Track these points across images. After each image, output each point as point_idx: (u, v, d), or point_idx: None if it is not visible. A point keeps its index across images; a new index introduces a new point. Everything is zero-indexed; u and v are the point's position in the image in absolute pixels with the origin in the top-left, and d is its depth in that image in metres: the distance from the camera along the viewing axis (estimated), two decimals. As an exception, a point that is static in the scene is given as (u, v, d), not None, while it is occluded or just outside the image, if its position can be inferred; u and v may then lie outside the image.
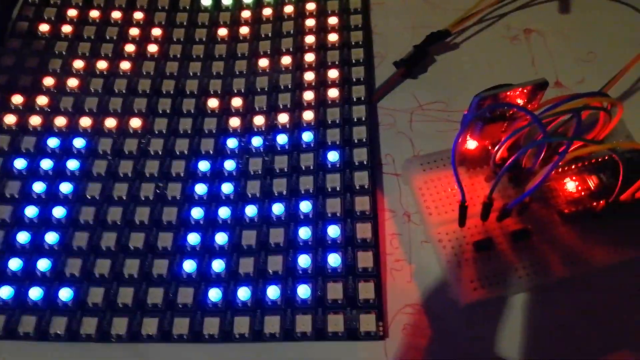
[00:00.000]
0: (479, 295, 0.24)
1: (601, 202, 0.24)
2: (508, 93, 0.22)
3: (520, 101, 0.24)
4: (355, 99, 0.30)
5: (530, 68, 0.31)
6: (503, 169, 0.22)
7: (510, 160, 0.22)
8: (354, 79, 0.30)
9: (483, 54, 0.32)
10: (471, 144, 0.25)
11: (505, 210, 0.24)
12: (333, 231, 0.25)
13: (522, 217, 0.25)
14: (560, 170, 0.25)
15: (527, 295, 0.24)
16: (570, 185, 0.25)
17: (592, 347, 0.23)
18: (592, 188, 0.25)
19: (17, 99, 0.30)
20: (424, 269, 0.25)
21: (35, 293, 0.24)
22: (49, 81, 0.31)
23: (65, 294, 0.24)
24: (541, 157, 0.23)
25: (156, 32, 0.33)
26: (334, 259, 0.25)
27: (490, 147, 0.25)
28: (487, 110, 0.22)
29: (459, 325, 0.24)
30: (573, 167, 0.25)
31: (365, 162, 0.27)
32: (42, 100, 0.30)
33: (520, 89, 0.22)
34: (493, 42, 0.33)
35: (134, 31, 0.33)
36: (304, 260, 0.25)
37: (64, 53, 0.32)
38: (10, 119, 0.29)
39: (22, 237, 0.26)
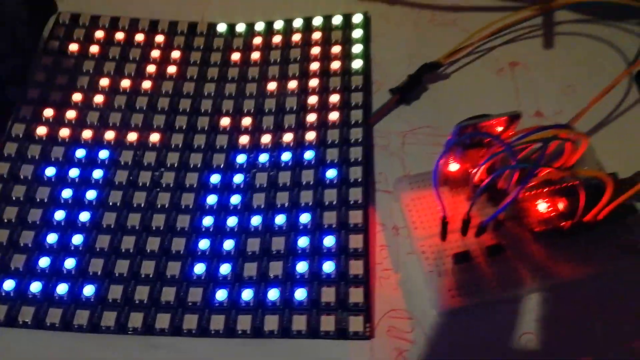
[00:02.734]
0: (456, 302, 0.26)
1: (568, 222, 0.27)
2: (486, 122, 0.25)
3: (499, 129, 0.27)
4: (353, 122, 0.33)
5: (514, 98, 0.34)
6: (479, 189, 0.25)
7: (485, 182, 0.25)
8: (353, 104, 0.34)
9: (471, 84, 0.35)
10: (454, 166, 0.28)
11: (482, 226, 0.27)
12: (329, 241, 0.28)
13: (498, 233, 0.28)
14: (533, 192, 0.28)
15: (499, 304, 0.27)
16: (542, 206, 0.28)
17: (555, 355, 0.26)
18: (561, 209, 0.28)
19: (48, 112, 0.33)
20: (409, 277, 0.28)
21: (61, 288, 0.27)
22: (77, 97, 0.34)
23: (88, 289, 0.27)
24: (513, 180, 0.25)
25: (175, 54, 0.37)
26: (328, 266, 0.28)
27: (470, 170, 0.28)
28: (466, 138, 0.25)
29: (437, 328, 0.26)
30: (546, 190, 0.28)
31: (359, 180, 0.30)
32: (70, 114, 0.33)
33: (496, 119, 0.25)
34: (481, 73, 0.36)
35: (155, 53, 0.36)
36: (301, 266, 0.28)
37: (91, 71, 0.35)
38: (41, 130, 0.33)
39: (51, 237, 0.29)
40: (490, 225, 0.28)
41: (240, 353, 0.26)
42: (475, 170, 0.26)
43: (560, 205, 0.28)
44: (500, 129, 0.27)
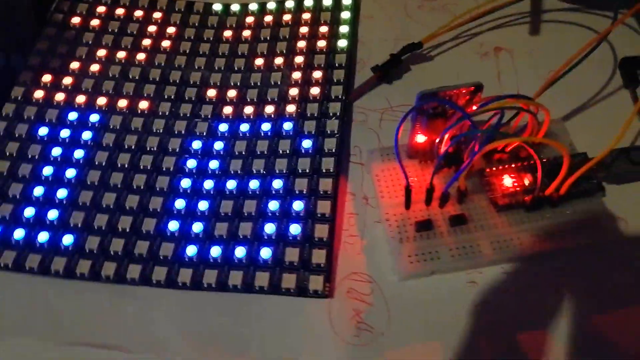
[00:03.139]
0: (414, 268, 0.27)
1: (530, 196, 0.27)
2: (448, 92, 0.26)
3: (465, 101, 0.27)
4: (333, 97, 0.34)
5: (495, 81, 0.35)
6: (439, 157, 0.26)
7: (444, 150, 0.25)
8: (335, 80, 0.35)
9: (454, 67, 0.36)
10: (421, 138, 0.29)
11: (444, 194, 0.27)
12: (298, 205, 0.29)
13: (462, 205, 0.29)
14: (500, 168, 0.29)
15: (456, 272, 0.27)
16: (507, 181, 0.29)
17: (506, 325, 0.26)
18: (527, 185, 0.28)
19: (46, 78, 0.35)
20: (374, 244, 0.29)
21: (42, 236, 0.29)
22: (74, 65, 0.36)
23: (67, 239, 0.29)
24: (479, 151, 0.26)
25: (171, 30, 0.38)
26: (295, 229, 0.29)
27: (436, 142, 0.29)
28: (422, 104, 0.26)
29: (394, 292, 0.27)
30: (513, 165, 0.29)
31: (333, 150, 0.31)
32: (67, 80, 0.35)
33: (457, 90, 0.26)
34: (465, 56, 0.36)
35: (152, 28, 0.38)
36: (269, 228, 0.29)
37: (90, 43, 0.37)
38: (38, 94, 0.35)
39: (38, 190, 0.31)
40: (454, 196, 0.28)
41: (202, 305, 0.27)
42: (439, 140, 0.27)
43: (527, 181, 0.28)
44: (463, 101, 0.27)
